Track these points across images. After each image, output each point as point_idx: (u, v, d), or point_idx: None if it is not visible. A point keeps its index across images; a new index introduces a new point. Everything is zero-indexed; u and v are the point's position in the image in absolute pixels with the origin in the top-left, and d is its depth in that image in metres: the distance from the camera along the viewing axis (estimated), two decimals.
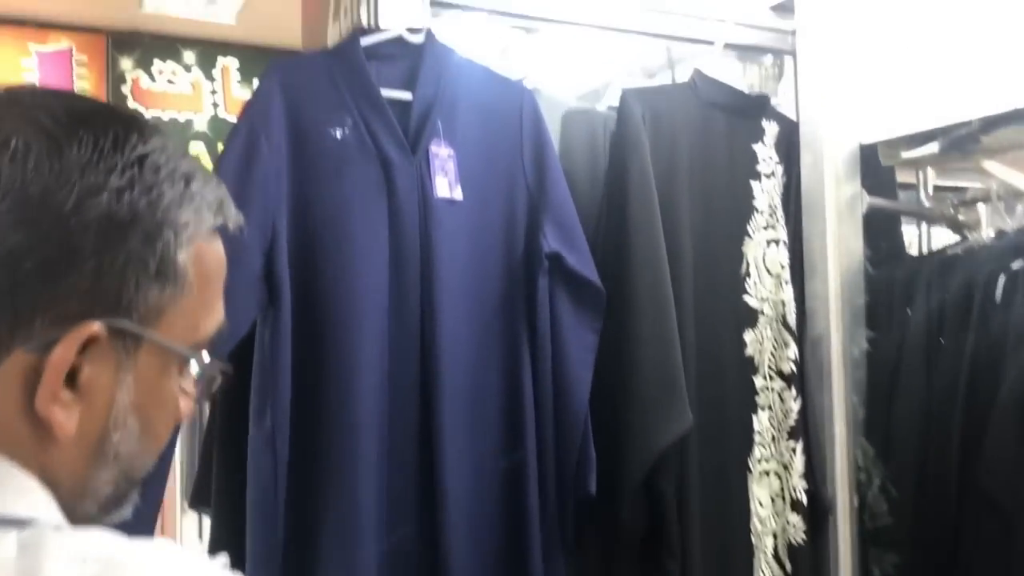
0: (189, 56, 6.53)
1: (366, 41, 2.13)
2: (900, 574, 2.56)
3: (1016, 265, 2.28)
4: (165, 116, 6.47)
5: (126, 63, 6.33)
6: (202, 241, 0.91)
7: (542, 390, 2.14)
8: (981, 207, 2.91)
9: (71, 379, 0.84)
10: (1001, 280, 2.27)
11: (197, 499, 2.37)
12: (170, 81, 6.41)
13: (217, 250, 0.94)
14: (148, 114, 6.41)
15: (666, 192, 2.41)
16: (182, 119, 6.39)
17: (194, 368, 0.95)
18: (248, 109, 1.99)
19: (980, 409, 2.37)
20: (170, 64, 6.48)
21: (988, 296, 2.32)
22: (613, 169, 2.42)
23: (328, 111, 2.01)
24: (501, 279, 2.16)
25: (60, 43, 6.12)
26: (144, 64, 6.37)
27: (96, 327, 0.83)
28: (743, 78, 3.01)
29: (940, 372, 2.53)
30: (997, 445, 2.22)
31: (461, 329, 2.04)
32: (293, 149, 1.96)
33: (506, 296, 2.16)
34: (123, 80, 6.25)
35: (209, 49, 6.48)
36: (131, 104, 6.35)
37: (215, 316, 0.96)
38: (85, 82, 6.11)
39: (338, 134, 1.99)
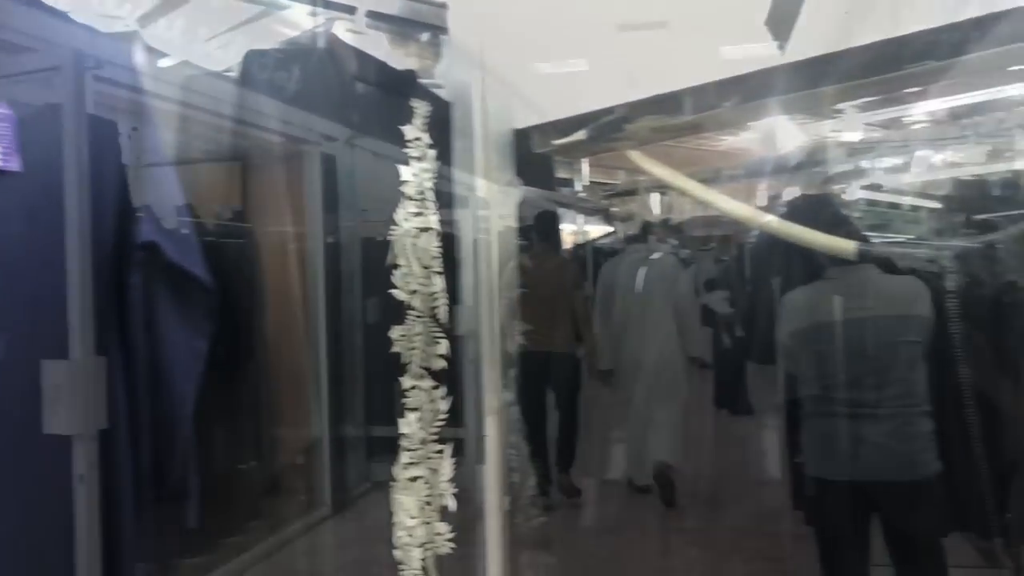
0: None
1: None
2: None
3: (655, 256, 2.26)
4: None
5: None
6: None
7: (138, 403, 1.78)
8: (632, 199, 2.94)
9: None
10: (642, 272, 2.23)
11: None
12: None
13: None
14: None
15: None
16: None
17: None
18: None
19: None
20: None
21: (629, 287, 2.28)
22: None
23: None
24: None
25: None
26: None
27: None
28: (405, 57, 2.80)
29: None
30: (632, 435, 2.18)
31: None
32: None
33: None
34: None
35: None
36: None
37: None
38: None
39: None
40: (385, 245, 3.87)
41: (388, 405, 3.92)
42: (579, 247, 4.26)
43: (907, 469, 2.58)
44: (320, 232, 4.25)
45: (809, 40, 1.73)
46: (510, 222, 2.58)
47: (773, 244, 2.97)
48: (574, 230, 3.24)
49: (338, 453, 4.27)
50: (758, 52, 1.92)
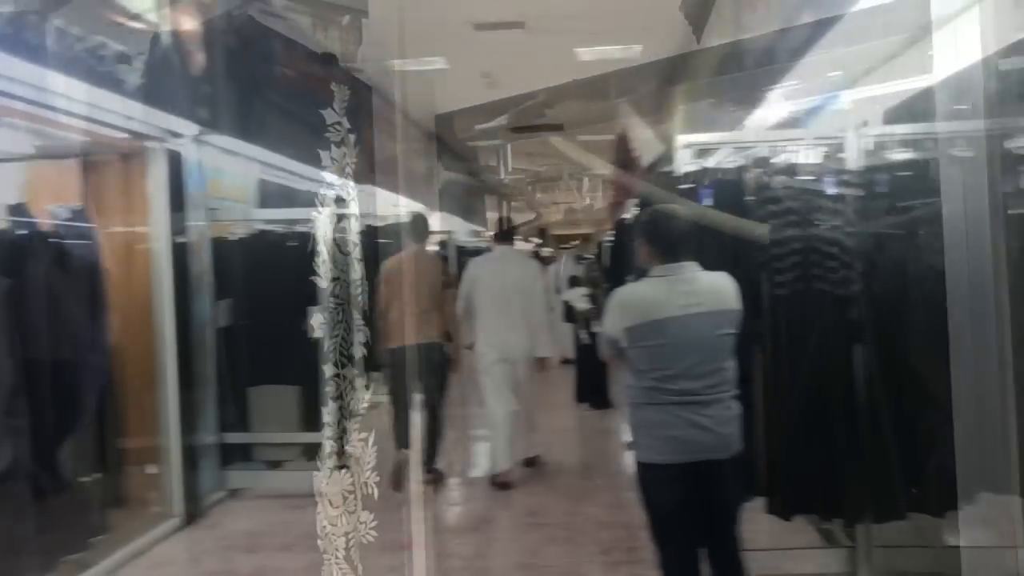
0: None
1: None
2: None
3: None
4: None
5: None
6: None
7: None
8: (556, 185, 2.94)
9: None
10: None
11: None
12: None
13: None
14: None
15: None
16: None
17: None
18: None
19: None
20: None
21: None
22: None
23: None
24: None
25: None
26: None
27: None
28: (325, 40, 2.75)
29: None
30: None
31: None
32: None
33: None
34: None
35: None
36: None
37: None
38: None
39: None
40: (238, 245, 3.81)
41: (242, 411, 3.84)
42: (443, 245, 4.26)
43: (726, 447, 2.84)
44: (166, 232, 4.04)
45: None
46: (433, 205, 2.56)
47: (630, 242, 3.04)
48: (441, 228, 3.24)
49: (189, 461, 4.10)
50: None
